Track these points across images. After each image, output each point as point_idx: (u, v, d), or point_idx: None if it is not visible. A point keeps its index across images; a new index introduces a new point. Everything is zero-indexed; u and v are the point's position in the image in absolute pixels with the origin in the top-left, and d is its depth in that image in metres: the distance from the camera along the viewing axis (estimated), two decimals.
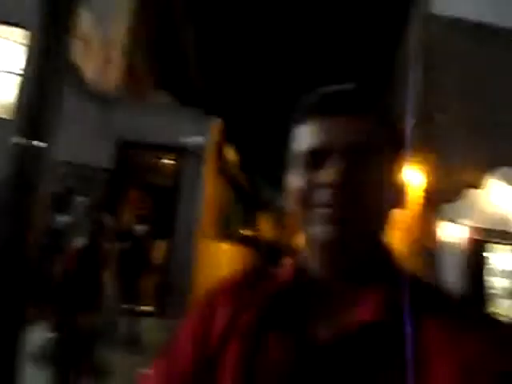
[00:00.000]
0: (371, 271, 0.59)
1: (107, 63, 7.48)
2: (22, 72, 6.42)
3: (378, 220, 0.59)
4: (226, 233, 10.36)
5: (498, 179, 8.44)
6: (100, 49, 7.15)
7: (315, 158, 0.59)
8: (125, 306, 5.65)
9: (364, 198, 0.56)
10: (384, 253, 0.63)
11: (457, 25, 8.90)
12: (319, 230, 0.57)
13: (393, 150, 0.62)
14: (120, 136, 7.25)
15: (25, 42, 6.40)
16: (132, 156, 7.57)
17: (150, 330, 5.77)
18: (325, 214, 0.56)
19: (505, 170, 8.41)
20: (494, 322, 0.57)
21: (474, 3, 8.85)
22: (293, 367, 0.55)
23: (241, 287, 0.68)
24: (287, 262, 0.68)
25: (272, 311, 0.61)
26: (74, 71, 6.03)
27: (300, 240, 0.65)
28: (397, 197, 0.62)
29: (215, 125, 7.67)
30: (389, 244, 0.63)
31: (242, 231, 13.25)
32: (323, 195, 0.57)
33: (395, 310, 0.54)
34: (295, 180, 0.61)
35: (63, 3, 3.13)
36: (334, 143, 0.58)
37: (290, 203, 0.62)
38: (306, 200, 0.59)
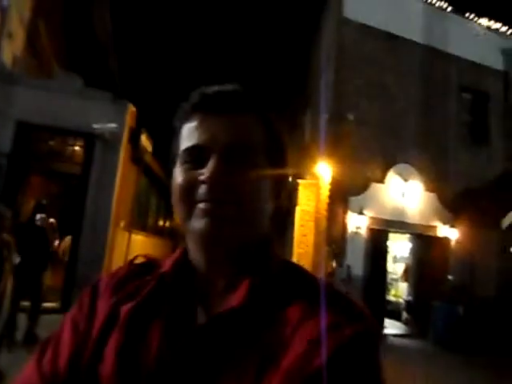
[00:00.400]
0: (248, 261, 0.62)
1: (6, 36, 6.73)
2: None
3: (255, 214, 0.62)
4: (141, 224, 10.03)
5: (397, 174, 9.31)
6: None
7: (196, 155, 0.62)
8: (25, 303, 5.20)
9: (241, 194, 0.60)
10: (263, 244, 0.65)
11: (367, 30, 9.54)
12: (197, 224, 0.60)
13: (272, 149, 0.65)
14: (21, 118, 6.61)
15: None
16: (35, 140, 6.95)
17: (54, 327, 5.37)
18: (202, 208, 0.59)
19: (402, 166, 9.32)
20: (344, 303, 0.59)
21: (382, 13, 9.54)
22: (169, 352, 0.57)
23: (123, 279, 0.68)
24: (175, 252, 0.70)
25: (152, 301, 0.62)
26: None
27: (181, 230, 0.66)
28: (277, 190, 0.66)
29: (129, 111, 7.34)
30: (270, 236, 0.67)
31: (158, 222, 12.93)
32: (201, 191, 0.60)
33: (263, 295, 0.59)
34: (178, 176, 0.63)
35: None
36: (214, 141, 0.61)
37: (174, 198, 0.64)
38: (186, 196, 0.61)
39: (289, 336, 0.54)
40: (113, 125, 6.95)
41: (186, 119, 0.65)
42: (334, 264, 8.17)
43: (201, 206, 0.60)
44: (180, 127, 0.66)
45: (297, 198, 8.96)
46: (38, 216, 5.19)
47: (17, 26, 7.19)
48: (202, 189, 0.60)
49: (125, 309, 0.62)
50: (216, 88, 0.65)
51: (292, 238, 9.28)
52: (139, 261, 0.73)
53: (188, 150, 0.63)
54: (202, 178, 0.60)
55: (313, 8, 11.23)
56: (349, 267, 8.35)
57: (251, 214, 0.61)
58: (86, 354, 0.61)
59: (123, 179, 7.36)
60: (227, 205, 0.59)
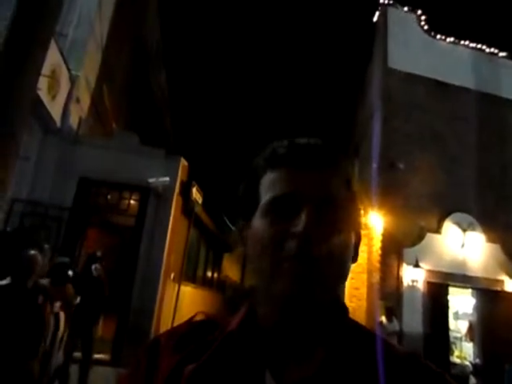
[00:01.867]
0: (325, 325, 0.58)
1: (74, 101, 7.43)
2: None
3: (345, 274, 0.58)
4: (191, 275, 10.09)
5: (454, 224, 8.82)
6: (67, 86, 7.12)
7: (284, 207, 0.58)
8: (77, 353, 5.28)
9: (334, 251, 0.55)
10: (339, 306, 0.61)
11: (413, 79, 9.56)
12: (283, 285, 0.54)
13: (353, 204, 0.62)
14: (83, 174, 7.09)
15: None
16: (94, 195, 7.38)
17: (105, 380, 5.39)
18: (292, 267, 0.54)
19: (459, 215, 8.84)
20: (435, 377, 0.56)
21: (429, 62, 9.57)
22: None
23: (184, 337, 0.64)
24: (239, 311, 0.65)
25: (217, 362, 0.58)
26: (39, 107, 5.94)
27: (256, 288, 0.62)
28: (356, 251, 0.62)
29: (181, 165, 7.66)
30: (343, 301, 0.63)
31: (207, 274, 12.96)
32: (292, 246, 0.54)
33: (338, 363, 0.54)
34: (261, 228, 0.58)
35: (30, 34, 3.13)
36: (304, 194, 0.58)
37: (253, 252, 0.60)
38: (272, 250, 0.56)
39: None
40: (166, 179, 7.26)
41: (267, 170, 0.62)
42: (384, 319, 7.66)
43: (289, 264, 0.54)
44: (258, 179, 0.63)
45: None
46: (93, 266, 5.36)
47: (83, 91, 7.92)
48: (293, 243, 0.54)
49: (188, 369, 0.57)
50: (303, 140, 0.64)
51: (343, 291, 8.90)
52: (199, 318, 0.69)
53: (275, 199, 0.58)
54: (293, 230, 0.54)
55: (359, 60, 11.50)
56: (399, 327, 7.71)
57: (341, 275, 0.57)
58: None
59: (174, 231, 7.54)
60: (320, 263, 0.54)
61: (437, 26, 10.34)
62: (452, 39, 10.35)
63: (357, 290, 8.86)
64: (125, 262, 7.19)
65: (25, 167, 6.33)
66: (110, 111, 9.75)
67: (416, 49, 9.75)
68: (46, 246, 3.79)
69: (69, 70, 6.97)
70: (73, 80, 7.27)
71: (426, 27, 10.28)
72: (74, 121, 7.54)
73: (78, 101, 7.61)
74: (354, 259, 0.61)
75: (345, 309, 0.62)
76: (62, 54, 6.42)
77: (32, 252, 3.05)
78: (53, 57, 5.71)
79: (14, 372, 2.75)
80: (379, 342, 0.58)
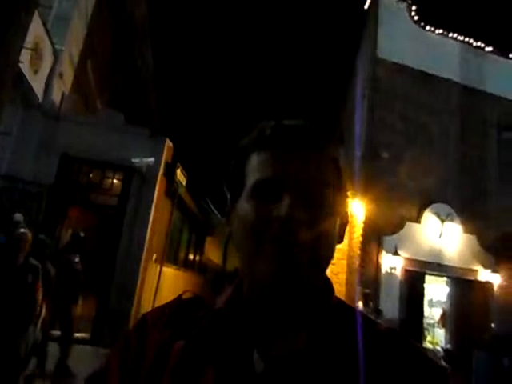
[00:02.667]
0: (308, 303, 0.59)
1: (57, 76, 7.22)
2: None
3: (329, 256, 0.59)
4: (173, 257, 10.10)
5: (433, 214, 9.03)
6: (50, 60, 6.91)
7: (269, 190, 0.58)
8: (56, 332, 5.26)
9: (317, 234, 0.56)
10: (325, 286, 0.63)
11: (401, 69, 9.60)
12: (266, 266, 0.55)
13: (340, 186, 0.62)
14: (65, 151, 6.95)
15: None
16: (76, 173, 7.25)
17: (85, 358, 5.40)
18: (273, 249, 0.55)
19: (439, 205, 9.05)
20: (418, 354, 0.58)
21: (418, 53, 9.62)
22: None
23: (173, 314, 0.65)
24: (225, 290, 0.66)
25: (204, 340, 0.59)
26: (20, 81, 5.76)
27: (241, 269, 0.62)
28: (342, 232, 0.63)
29: (166, 146, 7.58)
30: (329, 279, 0.64)
31: (189, 256, 12.99)
32: (274, 228, 0.55)
33: (325, 338, 0.56)
34: (246, 210, 0.59)
35: (12, 5, 3.02)
36: (290, 176, 0.58)
37: (238, 234, 0.60)
38: (256, 233, 0.56)
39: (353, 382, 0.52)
40: (150, 159, 7.18)
41: (253, 152, 0.62)
42: (361, 305, 7.84)
43: (271, 245, 0.55)
44: (244, 160, 0.63)
45: None
46: (77, 259, 5.29)
47: (67, 66, 7.70)
48: (275, 226, 0.55)
49: (176, 347, 0.59)
50: (288, 122, 0.63)
51: None
52: (187, 296, 0.69)
53: (259, 183, 0.59)
54: (276, 214, 0.55)
55: (349, 46, 11.47)
56: (379, 310, 7.95)
57: (325, 257, 0.58)
58: None
59: (157, 212, 7.50)
60: (301, 246, 0.54)
61: (427, 17, 10.37)
62: (441, 31, 10.41)
63: (336, 275, 9.01)
64: (107, 241, 7.13)
65: (4, 142, 6.16)
66: (94, 88, 9.52)
67: (405, 39, 9.77)
68: (21, 222, 3.73)
69: (52, 44, 6.76)
70: (56, 54, 7.05)
71: (416, 18, 10.29)
72: (56, 96, 7.35)
73: (61, 76, 7.40)
74: (340, 240, 0.62)
75: (330, 288, 0.63)
76: (45, 27, 6.21)
77: (21, 231, 3.02)
78: (36, 29, 5.52)
79: (2, 348, 2.75)
80: (362, 319, 0.60)
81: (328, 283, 0.63)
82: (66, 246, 5.62)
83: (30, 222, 5.93)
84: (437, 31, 10.37)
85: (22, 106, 6.62)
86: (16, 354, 2.89)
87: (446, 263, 8.94)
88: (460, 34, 10.53)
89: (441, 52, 9.87)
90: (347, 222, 0.65)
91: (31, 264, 3.09)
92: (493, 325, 8.55)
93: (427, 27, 10.33)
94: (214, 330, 0.59)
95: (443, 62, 9.81)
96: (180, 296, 0.69)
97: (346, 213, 0.65)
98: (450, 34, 10.44)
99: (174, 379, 0.56)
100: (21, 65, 5.04)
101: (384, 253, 8.61)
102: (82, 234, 5.46)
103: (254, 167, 0.61)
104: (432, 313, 11.43)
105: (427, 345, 10.57)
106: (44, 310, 4.10)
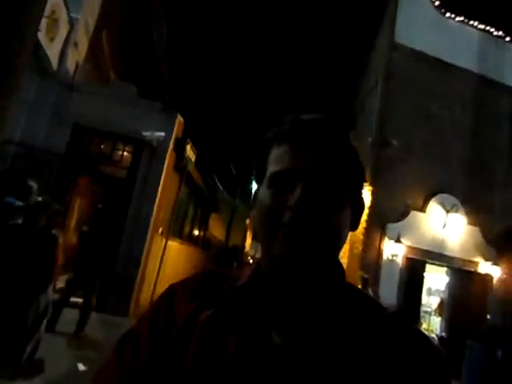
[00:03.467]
0: (324, 284, 0.65)
1: (72, 45, 7.21)
2: None
3: (336, 242, 0.64)
4: (178, 231, 10.26)
5: (438, 204, 9.05)
6: (66, 29, 6.89)
7: (284, 181, 0.64)
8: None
9: (325, 223, 0.61)
10: (337, 270, 0.68)
11: (418, 56, 9.45)
12: (279, 249, 0.61)
13: (356, 176, 0.69)
14: (77, 121, 7.01)
15: None
16: (87, 143, 7.33)
17: (91, 323, 5.61)
18: (286, 234, 0.61)
19: (445, 196, 9.06)
20: (421, 337, 0.64)
21: (435, 40, 9.43)
22: (248, 369, 0.59)
23: (200, 286, 0.71)
24: (245, 268, 0.74)
25: (229, 311, 0.65)
26: (36, 49, 5.78)
27: (257, 249, 0.70)
28: (357, 219, 0.69)
29: (177, 121, 7.61)
30: (341, 263, 0.70)
31: (193, 231, 13.16)
32: (287, 216, 0.61)
33: (337, 321, 0.62)
34: (264, 198, 0.65)
35: None
36: (303, 168, 0.63)
37: (258, 219, 0.66)
38: (271, 219, 0.63)
39: (364, 361, 0.58)
40: (161, 133, 7.23)
41: (275, 144, 0.68)
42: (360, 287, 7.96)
43: (283, 231, 0.61)
44: (267, 152, 0.70)
45: None
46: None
47: (82, 36, 7.68)
48: (288, 214, 0.61)
49: (202, 317, 0.65)
50: (306, 117, 0.68)
51: None
52: (212, 270, 0.77)
53: (276, 174, 0.65)
54: (289, 203, 0.61)
55: (367, 31, 11.24)
56: (376, 295, 8.07)
57: (334, 243, 0.63)
58: (165, 355, 0.64)
59: (165, 186, 7.60)
60: (312, 232, 0.60)
61: (448, 2, 10.11)
62: (461, 18, 10.17)
63: (341, 259, 9.15)
64: (115, 212, 7.26)
65: (20, 109, 6.23)
66: (107, 58, 9.49)
67: (424, 25, 9.57)
68: (34, 188, 3.83)
69: (68, 12, 6.73)
70: (72, 23, 7.03)
71: (436, 3, 10.05)
72: (71, 65, 7.36)
73: (75, 45, 7.40)
74: (354, 228, 0.69)
75: (342, 272, 0.69)
76: None
77: (42, 198, 3.15)
78: None
79: (25, 304, 2.90)
80: (371, 301, 0.68)
81: (340, 267, 0.69)
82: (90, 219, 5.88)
83: (42, 189, 6.05)
84: (457, 18, 10.14)
85: (38, 73, 6.66)
86: (24, 318, 3.03)
87: (448, 253, 9.00)
88: (481, 23, 10.28)
89: (459, 40, 9.68)
90: (363, 210, 0.71)
91: (51, 233, 3.22)
92: (489, 316, 8.67)
93: (448, 14, 10.11)
94: (238, 303, 0.66)
95: (461, 50, 9.62)
96: (205, 270, 0.78)
97: (362, 201, 0.71)
98: (471, 22, 10.21)
99: (199, 347, 0.62)
100: (38, 33, 5.05)
101: (387, 240, 8.69)
102: (99, 206, 5.65)
103: (273, 159, 0.67)
104: (430, 301, 11.58)
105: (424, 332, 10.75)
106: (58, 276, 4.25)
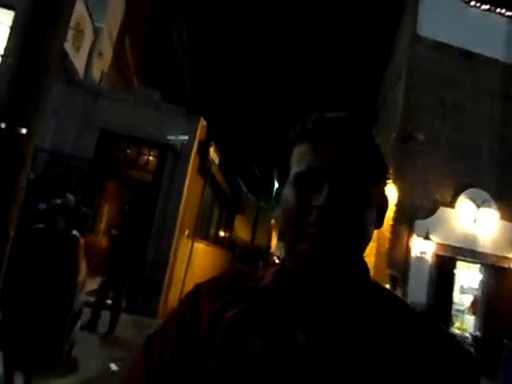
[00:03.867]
0: (349, 283, 0.65)
1: (97, 55, 7.43)
2: (4, 53, 6.29)
3: (362, 241, 0.64)
4: (204, 233, 10.37)
5: (469, 199, 8.78)
6: (91, 39, 7.11)
7: (310, 180, 0.64)
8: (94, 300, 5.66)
9: (351, 222, 0.62)
10: (362, 268, 0.68)
11: (442, 48, 9.22)
12: (305, 247, 0.61)
13: (380, 174, 0.69)
14: (103, 127, 7.21)
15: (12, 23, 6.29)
16: (114, 148, 7.53)
17: (120, 324, 5.76)
18: (312, 233, 0.61)
19: (475, 190, 8.77)
20: (449, 339, 0.63)
21: (459, 31, 9.18)
22: (273, 368, 0.60)
23: (225, 286, 0.72)
24: (269, 268, 0.75)
25: (253, 311, 0.66)
26: (63, 59, 5.98)
27: (282, 249, 0.71)
28: (381, 217, 0.69)
29: (200, 124, 7.70)
30: (366, 262, 0.70)
31: (219, 233, 13.28)
32: (314, 216, 0.61)
33: (363, 316, 0.62)
34: (290, 198, 0.65)
35: None
36: (329, 168, 0.63)
37: (283, 218, 0.66)
38: (297, 218, 0.63)
39: (390, 362, 0.58)
40: (184, 137, 7.34)
41: (297, 143, 0.68)
42: (388, 287, 7.82)
43: (311, 230, 0.61)
44: (289, 151, 0.70)
45: None
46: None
47: (106, 44, 7.90)
48: (314, 214, 0.61)
49: (227, 316, 0.66)
50: (329, 115, 0.68)
51: None
52: (236, 271, 0.79)
53: (301, 173, 0.65)
54: (315, 203, 0.62)
55: (388, 24, 11.06)
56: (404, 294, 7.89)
57: (359, 241, 0.64)
58: (190, 353, 0.65)
59: (190, 189, 7.71)
60: (338, 231, 0.61)
61: None
62: (487, 6, 9.85)
63: (366, 257, 9.02)
64: (142, 216, 7.41)
65: (49, 118, 6.46)
66: (131, 65, 9.71)
67: (447, 15, 9.32)
68: (69, 195, 3.97)
69: (93, 22, 6.93)
70: (96, 32, 7.24)
71: None
72: (96, 73, 7.58)
73: (100, 54, 7.61)
74: (378, 225, 0.69)
75: (367, 270, 0.69)
76: (86, 5, 6.37)
77: (60, 200, 3.26)
78: (78, 9, 5.69)
79: (51, 305, 3.02)
80: (398, 301, 0.68)
81: (365, 265, 0.69)
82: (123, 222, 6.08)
83: (72, 194, 6.25)
84: (482, 7, 9.83)
85: (65, 83, 6.88)
86: (53, 319, 3.13)
87: (480, 250, 8.72)
88: (508, 9, 9.93)
89: (486, 29, 9.36)
90: (387, 207, 0.71)
91: (71, 234, 3.31)
92: None
93: (472, 2, 9.81)
94: (262, 303, 0.67)
95: (487, 40, 9.31)
96: (231, 270, 0.79)
97: (386, 198, 0.71)
98: (497, 10, 9.88)
99: (224, 346, 0.63)
100: (64, 44, 5.23)
101: (415, 237, 8.50)
102: (113, 232, 5.85)
103: (297, 158, 0.68)
104: (462, 299, 11.25)
105: (455, 331, 10.47)
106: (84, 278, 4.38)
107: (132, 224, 5.96)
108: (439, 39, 9.23)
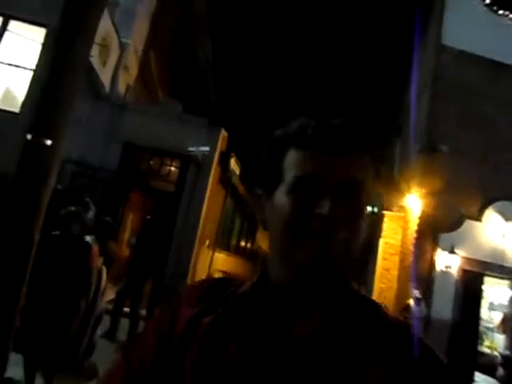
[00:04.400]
0: (327, 291, 0.64)
1: (123, 69, 7.67)
2: (36, 68, 6.57)
3: (358, 248, 0.63)
4: (225, 243, 10.42)
5: (496, 212, 8.49)
6: (117, 53, 7.35)
7: (309, 187, 0.61)
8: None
9: (351, 231, 0.61)
10: (342, 278, 0.67)
11: (467, 58, 9.04)
12: (305, 256, 0.60)
13: (375, 185, 0.67)
14: (128, 139, 7.40)
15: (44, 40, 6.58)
16: (137, 160, 7.71)
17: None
18: (314, 242, 0.60)
19: (503, 204, 8.47)
20: (424, 350, 0.61)
21: (486, 40, 8.98)
22: (248, 372, 0.60)
23: (205, 292, 0.72)
24: (251, 276, 0.73)
25: (230, 318, 0.66)
26: (90, 73, 6.21)
27: (272, 255, 0.68)
28: (373, 230, 0.69)
29: (221, 135, 7.80)
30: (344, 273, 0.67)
31: (240, 243, 13.30)
32: (316, 224, 0.60)
33: (339, 324, 0.62)
34: (284, 205, 0.62)
35: (85, 6, 3.29)
36: (329, 176, 0.61)
37: (277, 224, 0.64)
38: (296, 226, 0.61)
39: (360, 371, 0.57)
40: (206, 148, 7.45)
41: (293, 148, 0.65)
42: (412, 303, 7.61)
43: (312, 240, 0.60)
44: (281, 153, 0.66)
45: (381, 230, 8.62)
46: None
47: (131, 58, 8.14)
48: (317, 223, 0.60)
49: (204, 322, 0.65)
50: (332, 122, 0.66)
51: (374, 271, 8.91)
52: (218, 277, 0.78)
53: (300, 179, 0.62)
54: (318, 211, 0.60)
55: (412, 33, 10.94)
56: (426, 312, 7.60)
57: (355, 250, 0.63)
58: (167, 359, 0.65)
59: (211, 200, 7.78)
60: (338, 241, 0.60)
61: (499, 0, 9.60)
62: None
63: (387, 271, 8.83)
64: (163, 225, 7.52)
65: (76, 130, 6.68)
66: (156, 79, 9.97)
67: (474, 24, 9.15)
68: (90, 203, 4.08)
69: (119, 37, 7.17)
70: (122, 47, 7.49)
71: (487, 1, 9.59)
72: (121, 87, 7.81)
73: (126, 68, 7.85)
74: (370, 237, 0.70)
75: (347, 280, 0.68)
76: (113, 22, 6.60)
77: (75, 207, 3.38)
78: (105, 25, 5.91)
79: (66, 311, 3.11)
80: (374, 309, 0.66)
81: (345, 275, 0.68)
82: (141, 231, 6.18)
83: (97, 204, 6.43)
84: (511, 15, 9.61)
85: (92, 96, 7.13)
86: (67, 325, 3.20)
87: (509, 265, 8.40)
88: None
89: None
90: (381, 218, 0.71)
91: (84, 240, 3.40)
92: None
93: (500, 11, 9.61)
94: (239, 310, 0.66)
95: None
96: (213, 276, 0.80)
97: (380, 210, 0.71)
98: None
99: (200, 350, 0.63)
100: (91, 58, 5.44)
101: (439, 250, 8.27)
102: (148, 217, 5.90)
103: (295, 164, 0.64)
104: (491, 316, 10.80)
105: (485, 349, 10.04)
106: (104, 285, 4.47)
107: (152, 233, 6.05)
108: (465, 49, 9.05)
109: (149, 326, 0.73)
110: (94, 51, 5.66)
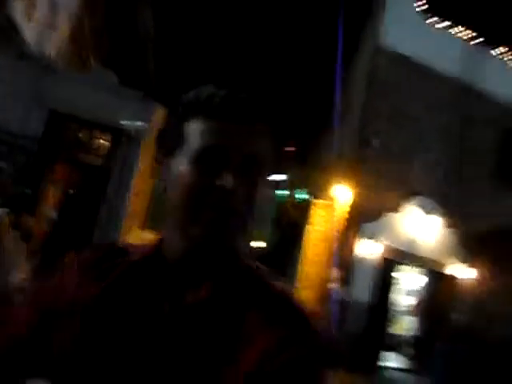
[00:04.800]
0: (219, 263, 0.65)
1: (51, 27, 7.05)
2: None
3: (252, 223, 0.65)
4: (157, 223, 10.17)
5: (416, 206, 9.17)
6: (45, 11, 6.73)
7: (211, 159, 0.60)
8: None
9: (249, 206, 0.62)
10: (235, 250, 0.68)
11: (401, 60, 9.49)
12: (201, 231, 0.60)
13: (271, 164, 0.68)
14: (54, 107, 6.87)
15: None
16: (64, 130, 7.20)
17: None
18: (213, 217, 0.59)
19: (421, 198, 9.19)
20: (301, 318, 0.64)
21: (420, 45, 9.46)
22: (136, 337, 0.60)
23: (98, 259, 0.70)
24: (143, 246, 0.73)
25: (119, 286, 0.65)
26: (12, 30, 5.63)
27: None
28: (299, 215, 0.70)
29: (158, 112, 7.52)
30: (243, 245, 0.69)
31: None
32: (216, 198, 0.59)
33: (226, 294, 0.63)
34: (186, 175, 0.62)
35: None
36: (233, 148, 0.61)
37: (174, 194, 0.63)
38: (195, 199, 0.60)
39: (244, 341, 0.59)
40: (139, 123, 7.14)
41: (197, 116, 0.64)
42: (334, 286, 8.05)
43: (211, 212, 0.59)
44: (184, 119, 0.65)
45: (309, 217, 8.93)
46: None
47: (64, 20, 7.51)
48: (218, 194, 0.59)
49: (93, 290, 0.65)
50: (238, 94, 0.65)
51: (301, 256, 9.24)
52: (118, 245, 0.76)
53: (204, 149, 0.61)
54: (219, 183, 0.59)
55: (353, 32, 11.23)
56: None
57: (251, 224, 0.64)
58: (52, 328, 0.64)
59: (144, 177, 7.52)
60: (237, 215, 0.60)
61: (435, 7, 10.17)
62: (447, 23, 10.24)
63: (316, 256, 9.20)
64: (88, 201, 7.16)
65: None
66: (89, 45, 9.32)
67: (409, 28, 9.63)
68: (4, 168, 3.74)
69: None
70: (52, 4, 6.87)
71: (424, 7, 10.11)
72: (50, 49, 7.20)
73: (55, 28, 7.23)
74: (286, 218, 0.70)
75: (239, 253, 0.68)
76: None
77: None
78: None
79: None
80: (259, 279, 0.67)
81: (237, 248, 0.68)
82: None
83: (16, 175, 5.94)
84: (443, 24, 10.22)
85: (13, 54, 6.48)
86: None
87: (423, 255, 9.15)
88: (467, 28, 10.35)
89: (443, 45, 9.76)
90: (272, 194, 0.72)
91: None
92: (457, 316, 8.86)
93: (434, 18, 10.18)
94: (129, 278, 0.66)
95: (444, 55, 9.71)
96: (110, 243, 0.77)
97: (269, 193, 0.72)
98: (456, 28, 10.30)
99: (87, 318, 0.62)
100: (14, 13, 4.93)
101: (362, 239, 8.78)
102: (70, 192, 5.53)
103: (199, 133, 0.62)
104: (405, 301, 11.76)
105: (395, 331, 10.92)
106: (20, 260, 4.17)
107: (75, 209, 5.72)
108: (399, 50, 9.49)
109: (38, 288, 0.73)
110: (18, 4, 5.13)
